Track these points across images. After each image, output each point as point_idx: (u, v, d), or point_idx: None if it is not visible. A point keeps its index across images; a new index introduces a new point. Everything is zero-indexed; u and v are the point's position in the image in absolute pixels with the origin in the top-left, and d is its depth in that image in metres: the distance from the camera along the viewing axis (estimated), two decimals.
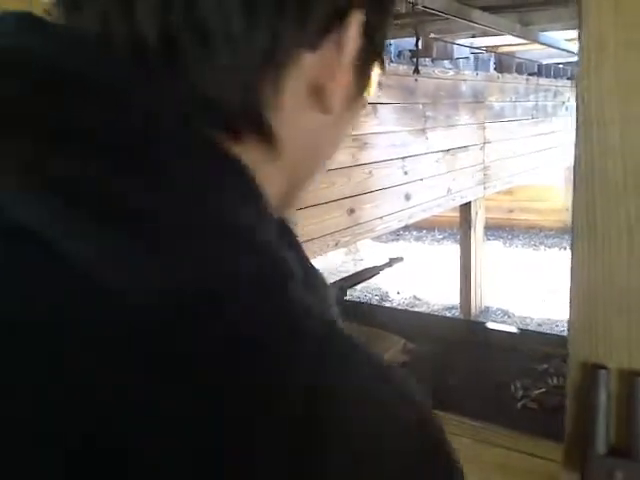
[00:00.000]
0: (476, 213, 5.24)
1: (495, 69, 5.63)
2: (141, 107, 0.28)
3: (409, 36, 3.24)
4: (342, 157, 2.87)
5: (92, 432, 0.23)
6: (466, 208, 5.14)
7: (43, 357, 0.25)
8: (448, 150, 3.96)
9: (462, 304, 5.42)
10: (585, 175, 0.78)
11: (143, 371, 0.25)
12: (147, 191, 0.27)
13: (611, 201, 0.77)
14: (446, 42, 4.24)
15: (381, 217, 3.33)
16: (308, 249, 0.55)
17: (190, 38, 0.29)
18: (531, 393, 1.08)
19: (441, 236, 8.58)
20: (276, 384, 0.26)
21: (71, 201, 0.26)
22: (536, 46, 4.89)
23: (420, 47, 3.17)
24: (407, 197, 3.55)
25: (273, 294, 0.28)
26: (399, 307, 5.70)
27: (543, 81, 6.08)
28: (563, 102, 6.40)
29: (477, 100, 4.37)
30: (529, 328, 4.99)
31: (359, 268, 1.76)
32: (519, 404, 1.05)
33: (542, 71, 6.13)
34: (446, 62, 4.49)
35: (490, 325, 1.77)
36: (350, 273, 1.66)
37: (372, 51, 0.36)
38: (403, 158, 3.46)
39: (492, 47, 5.21)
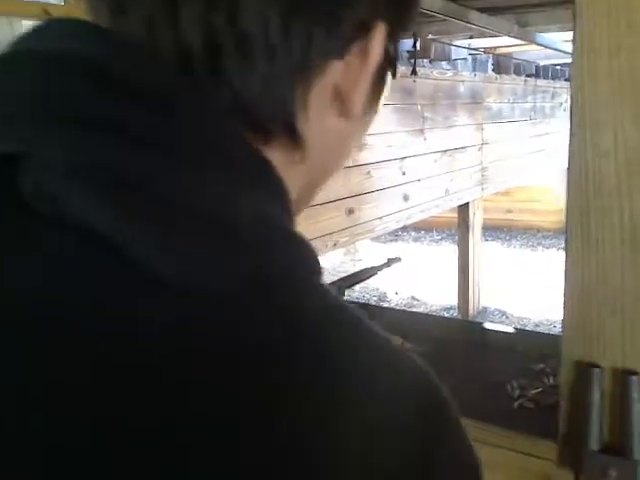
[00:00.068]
0: (474, 214, 5.25)
1: (493, 70, 5.65)
2: (186, 113, 0.29)
3: (407, 37, 3.25)
4: None
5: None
6: (464, 209, 5.15)
7: (120, 367, 0.25)
8: (446, 151, 3.96)
9: (460, 304, 5.43)
10: (579, 176, 0.79)
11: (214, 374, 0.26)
12: (198, 192, 0.28)
13: (604, 202, 0.78)
14: (444, 43, 4.25)
15: (380, 218, 3.34)
16: None
17: (233, 47, 0.30)
18: (528, 393, 1.08)
19: (439, 237, 8.59)
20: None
21: (134, 202, 0.27)
22: (534, 47, 4.91)
23: (418, 48, 3.18)
24: (405, 198, 3.56)
25: (315, 287, 0.31)
26: (397, 307, 5.71)
27: (541, 82, 6.09)
28: (561, 103, 6.41)
29: (475, 101, 4.37)
30: (526, 328, 5.00)
31: (357, 268, 1.76)
32: (516, 404, 1.06)
33: (540, 72, 6.15)
34: (444, 63, 4.51)
35: (487, 325, 1.78)
36: (349, 273, 1.66)
37: (389, 58, 0.37)
38: (401, 159, 3.47)
39: (490, 48, 5.23)
